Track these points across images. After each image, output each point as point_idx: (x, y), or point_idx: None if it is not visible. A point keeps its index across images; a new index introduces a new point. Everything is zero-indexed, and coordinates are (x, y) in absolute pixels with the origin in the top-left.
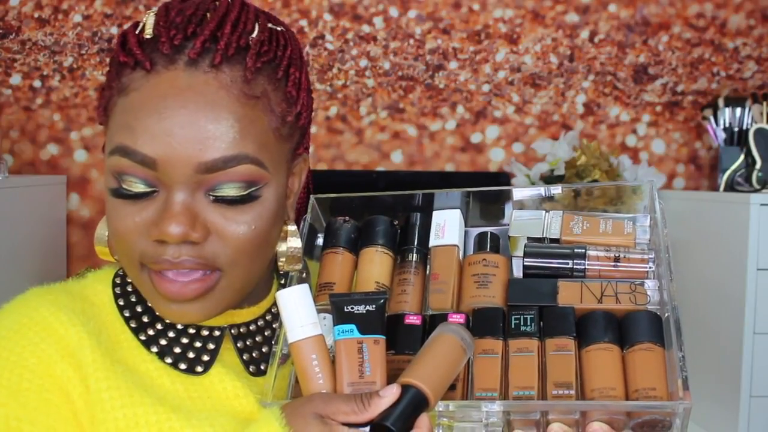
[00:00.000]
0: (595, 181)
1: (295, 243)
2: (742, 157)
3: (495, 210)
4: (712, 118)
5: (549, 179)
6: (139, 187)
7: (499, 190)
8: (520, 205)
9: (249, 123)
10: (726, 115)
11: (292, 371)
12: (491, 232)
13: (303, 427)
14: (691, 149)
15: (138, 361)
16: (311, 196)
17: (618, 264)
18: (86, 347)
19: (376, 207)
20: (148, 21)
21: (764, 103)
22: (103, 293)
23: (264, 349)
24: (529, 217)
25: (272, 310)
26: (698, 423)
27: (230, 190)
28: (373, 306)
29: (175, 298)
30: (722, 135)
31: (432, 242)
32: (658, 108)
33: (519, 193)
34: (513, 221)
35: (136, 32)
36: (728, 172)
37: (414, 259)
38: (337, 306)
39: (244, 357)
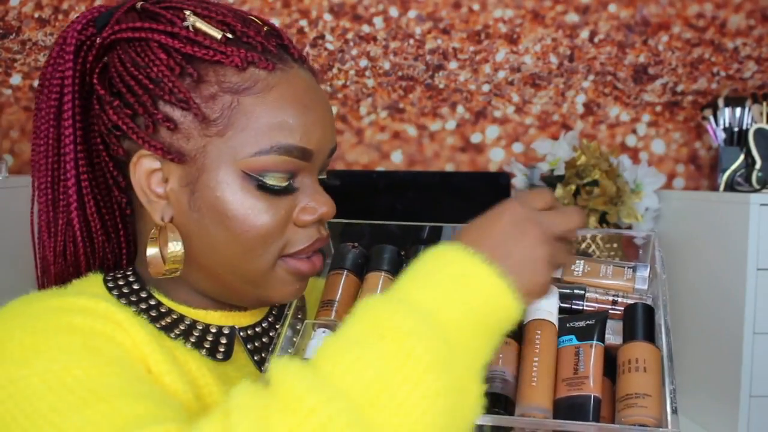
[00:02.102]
0: (595, 182)
1: (176, 246)
2: (742, 157)
3: None
4: (711, 118)
5: (549, 179)
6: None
7: None
8: None
9: None
10: (726, 115)
11: None
12: None
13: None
14: (691, 149)
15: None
16: None
17: (616, 307)
18: (137, 325)
19: (385, 236)
20: (197, 23)
21: (764, 103)
22: (103, 297)
23: None
24: None
25: (273, 311)
26: (698, 423)
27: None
28: (593, 320)
29: (311, 273)
30: (722, 135)
31: None
32: (658, 108)
33: None
34: None
35: (189, 32)
36: (728, 172)
37: None
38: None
39: (256, 358)
